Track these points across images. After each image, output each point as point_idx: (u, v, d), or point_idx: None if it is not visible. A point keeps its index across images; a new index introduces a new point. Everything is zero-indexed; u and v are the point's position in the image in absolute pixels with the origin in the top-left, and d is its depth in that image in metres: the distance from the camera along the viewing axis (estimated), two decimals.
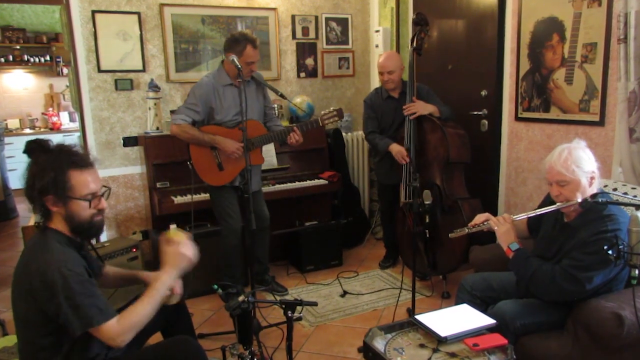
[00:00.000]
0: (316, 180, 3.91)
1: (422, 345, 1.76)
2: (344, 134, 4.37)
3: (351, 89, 4.72)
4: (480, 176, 3.59)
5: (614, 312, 1.76)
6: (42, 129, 7.01)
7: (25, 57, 6.89)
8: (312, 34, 4.45)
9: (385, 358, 1.69)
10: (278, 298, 3.23)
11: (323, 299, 3.34)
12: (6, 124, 6.70)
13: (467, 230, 2.22)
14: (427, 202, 2.76)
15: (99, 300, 1.56)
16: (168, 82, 3.94)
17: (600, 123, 2.81)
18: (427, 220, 3.08)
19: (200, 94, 2.98)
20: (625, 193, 2.31)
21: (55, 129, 7.02)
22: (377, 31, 4.45)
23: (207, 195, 3.29)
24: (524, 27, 3.21)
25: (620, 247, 1.62)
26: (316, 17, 4.44)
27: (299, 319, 2.04)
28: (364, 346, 1.80)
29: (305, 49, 4.45)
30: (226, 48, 2.99)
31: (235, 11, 4.09)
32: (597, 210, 1.90)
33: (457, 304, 2.14)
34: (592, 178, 1.94)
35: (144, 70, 3.85)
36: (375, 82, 4.45)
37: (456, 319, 1.86)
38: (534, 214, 2.11)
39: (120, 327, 1.56)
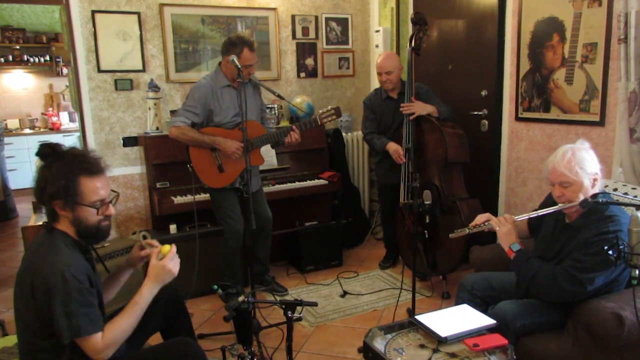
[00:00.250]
0: (316, 181, 3.91)
1: (422, 346, 1.76)
2: (344, 134, 4.37)
3: (351, 89, 4.72)
4: (481, 176, 3.59)
5: (615, 313, 1.75)
6: (41, 129, 7.01)
7: (25, 57, 6.89)
8: (312, 34, 4.45)
9: (385, 358, 1.69)
10: (278, 298, 3.23)
11: (323, 299, 3.34)
12: (6, 124, 6.69)
13: (467, 231, 2.22)
14: (427, 203, 2.76)
15: (93, 311, 1.57)
16: (168, 82, 3.94)
17: (601, 123, 2.81)
18: (427, 221, 3.08)
19: (198, 96, 2.98)
20: (626, 193, 2.31)
21: (55, 129, 7.01)
22: (377, 31, 4.45)
23: (207, 195, 3.28)
24: (524, 27, 3.21)
25: (621, 247, 1.62)
26: (316, 17, 4.44)
27: (299, 319, 2.05)
28: (364, 346, 1.79)
29: (305, 49, 4.45)
30: (223, 51, 2.99)
31: (235, 11, 4.09)
32: (598, 211, 1.90)
33: (457, 304, 2.14)
34: (594, 179, 1.94)
35: (143, 70, 3.85)
36: (375, 83, 4.44)
37: (456, 319, 1.86)
38: (535, 215, 2.11)
39: (103, 343, 1.57)
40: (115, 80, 3.77)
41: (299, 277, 3.73)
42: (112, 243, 3.24)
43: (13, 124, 6.88)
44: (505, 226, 2.11)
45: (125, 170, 3.88)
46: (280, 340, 2.29)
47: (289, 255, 3.98)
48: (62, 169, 1.60)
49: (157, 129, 3.72)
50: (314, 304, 2.09)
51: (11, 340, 2.61)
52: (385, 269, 3.83)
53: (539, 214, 2.09)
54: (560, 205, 1.97)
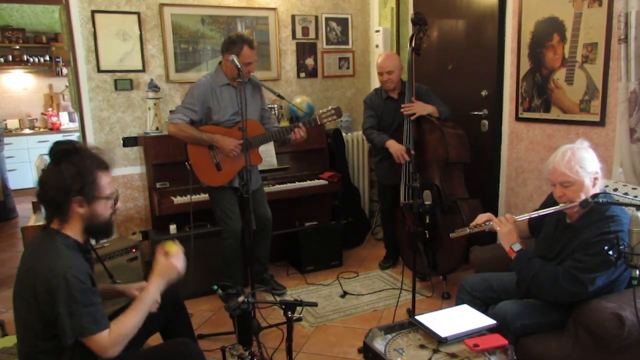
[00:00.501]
0: (316, 181, 3.91)
1: (422, 346, 1.75)
2: (344, 134, 4.37)
3: (351, 89, 4.72)
4: (481, 176, 3.59)
5: (615, 313, 1.75)
6: (41, 129, 7.01)
7: (25, 57, 6.89)
8: (312, 34, 4.45)
9: (385, 359, 1.69)
10: (278, 298, 3.23)
11: (323, 299, 3.34)
12: (5, 124, 6.69)
13: (468, 231, 2.21)
14: (427, 203, 2.75)
15: (97, 310, 1.57)
16: (168, 82, 3.93)
17: (601, 123, 2.81)
18: (428, 221, 3.08)
19: (197, 94, 2.99)
20: (626, 193, 2.31)
21: (54, 129, 7.02)
22: (377, 31, 4.45)
23: (207, 195, 3.28)
24: (524, 27, 3.21)
25: (621, 247, 1.61)
26: (316, 17, 4.44)
27: (299, 319, 2.04)
28: (364, 347, 1.79)
29: (305, 49, 4.45)
30: (223, 49, 3.00)
31: (235, 11, 4.09)
32: (600, 211, 1.89)
33: (457, 304, 2.14)
34: (595, 178, 1.94)
35: (143, 70, 3.84)
36: (375, 83, 4.44)
37: (456, 320, 1.86)
38: (536, 215, 2.11)
39: (111, 340, 1.57)
40: (115, 80, 3.77)
41: (299, 277, 3.73)
42: (112, 243, 3.24)
43: (13, 124, 6.88)
44: (506, 226, 2.11)
45: (125, 171, 3.88)
46: (280, 341, 2.30)
47: (288, 256, 3.98)
48: (85, 165, 1.61)
49: (157, 129, 3.71)
50: (314, 304, 2.08)
51: (11, 340, 2.60)
52: (385, 269, 3.83)
53: (540, 214, 2.08)
54: (561, 205, 1.97)
